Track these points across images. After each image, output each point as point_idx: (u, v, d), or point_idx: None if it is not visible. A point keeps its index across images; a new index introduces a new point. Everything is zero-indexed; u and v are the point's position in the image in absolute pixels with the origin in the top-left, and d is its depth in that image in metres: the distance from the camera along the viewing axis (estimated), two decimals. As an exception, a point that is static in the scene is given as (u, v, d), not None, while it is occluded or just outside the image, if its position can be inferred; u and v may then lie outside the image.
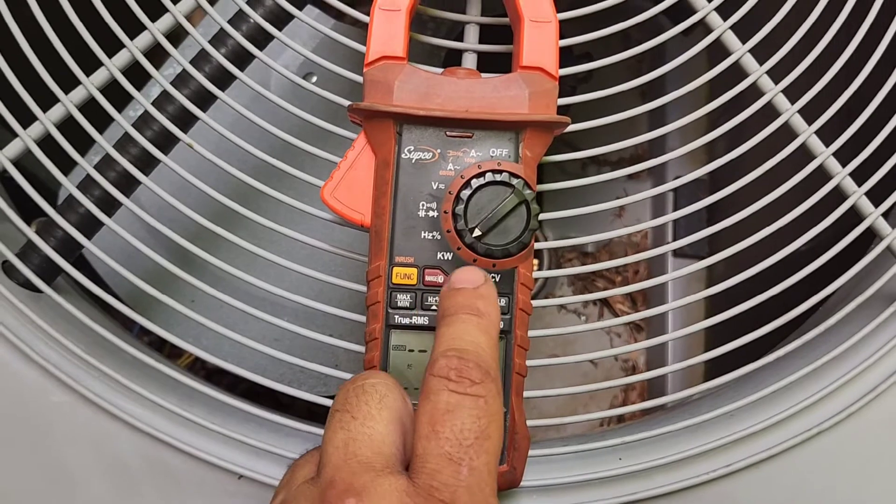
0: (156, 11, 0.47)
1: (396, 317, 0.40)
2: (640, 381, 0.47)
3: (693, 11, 0.47)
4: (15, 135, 0.47)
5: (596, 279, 1.00)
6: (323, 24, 0.48)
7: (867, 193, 0.47)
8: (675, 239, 0.92)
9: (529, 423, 0.42)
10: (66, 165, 0.47)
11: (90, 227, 0.48)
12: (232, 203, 0.46)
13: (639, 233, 1.01)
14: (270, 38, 0.48)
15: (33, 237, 0.47)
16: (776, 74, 0.47)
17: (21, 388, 0.46)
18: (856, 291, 0.47)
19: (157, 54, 0.48)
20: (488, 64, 0.46)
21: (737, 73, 0.47)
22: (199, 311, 0.46)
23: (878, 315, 0.47)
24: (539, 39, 0.41)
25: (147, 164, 0.48)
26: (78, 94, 0.47)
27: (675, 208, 0.89)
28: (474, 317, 0.35)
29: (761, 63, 0.47)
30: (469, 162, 0.40)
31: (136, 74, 0.47)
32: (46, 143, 0.47)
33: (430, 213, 0.40)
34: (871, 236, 0.48)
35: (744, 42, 0.47)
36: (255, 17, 0.47)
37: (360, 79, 0.42)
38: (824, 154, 0.47)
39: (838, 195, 0.47)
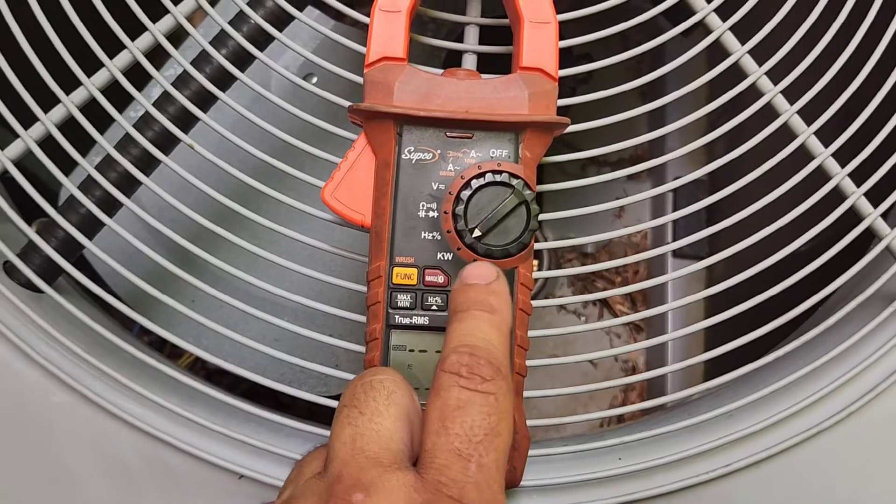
0: (156, 12, 0.47)
1: (397, 317, 0.40)
2: (639, 380, 0.47)
3: (692, 12, 0.47)
4: (16, 135, 0.47)
5: (596, 280, 1.00)
6: (323, 26, 0.48)
7: (866, 194, 0.47)
8: (674, 240, 0.92)
9: (529, 422, 0.42)
10: (67, 166, 0.47)
11: (91, 227, 0.48)
12: (232, 203, 0.46)
13: (638, 233, 1.01)
14: (271, 39, 0.48)
15: (34, 237, 0.47)
16: (775, 75, 0.47)
17: (22, 387, 0.46)
18: (855, 291, 0.48)
19: (157, 55, 0.48)
20: (488, 65, 0.46)
21: (736, 73, 0.47)
22: (199, 312, 0.46)
23: (877, 315, 0.47)
24: (539, 40, 0.41)
25: (148, 164, 0.48)
26: (79, 95, 0.47)
27: (675, 209, 0.90)
28: (486, 313, 0.35)
29: (760, 64, 0.47)
30: (469, 162, 0.40)
31: (137, 75, 0.48)
32: (47, 143, 0.47)
33: (431, 214, 0.40)
34: (870, 237, 0.48)
35: (743, 43, 0.47)
36: (256, 18, 0.47)
37: (360, 80, 0.42)
38: (823, 154, 0.47)
39: (837, 196, 0.47)
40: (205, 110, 0.48)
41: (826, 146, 0.47)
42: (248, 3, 0.48)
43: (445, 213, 0.39)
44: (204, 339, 0.50)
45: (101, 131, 0.47)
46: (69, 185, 0.47)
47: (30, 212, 0.49)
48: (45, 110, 0.47)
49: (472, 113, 0.39)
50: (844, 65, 0.47)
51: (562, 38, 0.42)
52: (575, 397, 0.94)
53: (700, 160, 0.60)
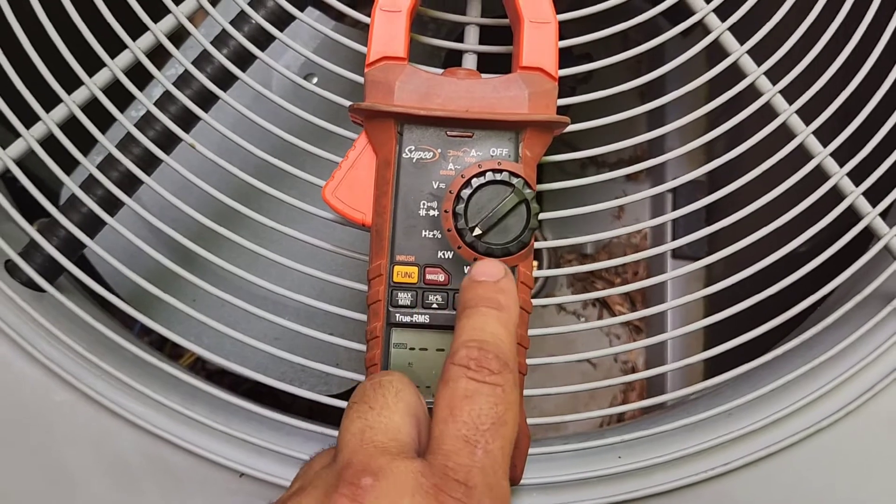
0: (158, 12, 0.47)
1: (397, 315, 0.40)
2: (639, 379, 0.47)
3: (692, 12, 0.47)
4: (18, 135, 0.47)
5: (595, 282, 1.00)
6: (323, 26, 0.48)
7: (865, 193, 0.47)
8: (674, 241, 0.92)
9: (530, 421, 0.43)
10: (69, 165, 0.47)
11: (92, 226, 0.48)
12: (233, 203, 0.46)
13: (638, 234, 1.01)
14: (272, 38, 0.48)
15: (36, 236, 0.47)
16: (774, 75, 0.47)
17: (23, 386, 0.47)
18: (854, 290, 0.48)
19: (159, 55, 0.48)
20: (488, 65, 0.46)
21: (735, 74, 0.47)
22: (200, 311, 0.46)
23: (876, 314, 0.47)
24: (539, 40, 0.41)
25: (149, 163, 0.48)
26: (80, 95, 0.47)
27: (674, 207, 0.90)
28: (494, 310, 0.36)
29: (759, 64, 0.47)
30: (469, 161, 0.40)
31: (139, 75, 0.48)
32: (49, 143, 0.47)
33: (431, 213, 0.40)
34: (869, 236, 0.48)
35: (742, 43, 0.47)
36: (257, 17, 0.47)
37: (360, 79, 0.42)
38: (822, 154, 0.47)
39: (836, 195, 0.47)
40: (206, 110, 0.48)
41: (825, 146, 0.47)
42: (249, 3, 0.48)
43: (446, 211, 0.39)
44: (205, 338, 0.50)
45: (103, 131, 0.47)
46: (70, 185, 0.47)
47: (31, 211, 0.49)
48: (47, 110, 0.47)
49: (473, 112, 0.40)
50: (843, 64, 0.47)
51: (561, 37, 0.43)
52: (575, 398, 0.94)
53: (700, 161, 0.60)
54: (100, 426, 0.46)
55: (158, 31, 0.47)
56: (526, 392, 0.43)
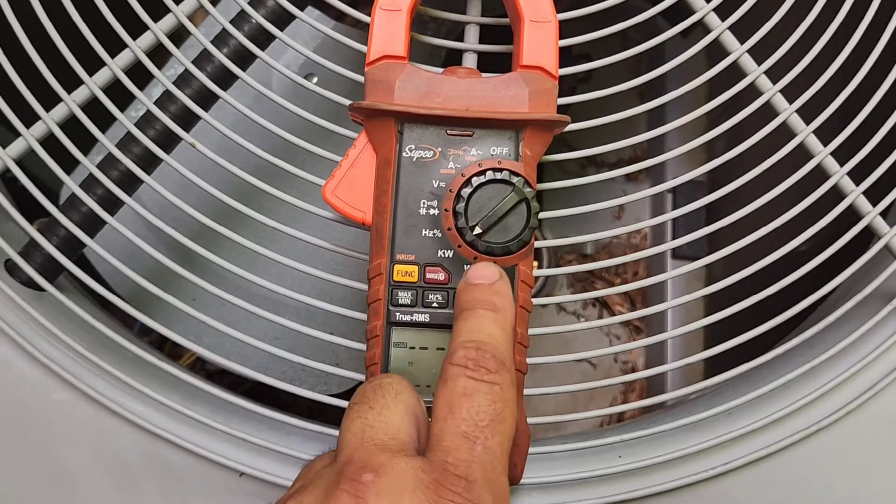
0: (158, 11, 0.47)
1: (398, 314, 0.40)
2: (639, 378, 0.47)
3: (692, 12, 0.47)
4: (18, 134, 0.47)
5: (595, 282, 1.00)
6: (324, 26, 0.48)
7: (865, 192, 0.47)
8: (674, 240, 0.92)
9: (530, 420, 0.43)
10: (69, 165, 0.47)
11: (92, 225, 0.48)
12: (234, 202, 0.46)
13: (638, 235, 1.01)
14: (272, 38, 0.48)
15: (36, 235, 0.47)
16: (774, 74, 0.47)
17: (23, 385, 0.47)
18: (854, 290, 0.48)
19: (159, 54, 0.48)
20: (488, 64, 0.46)
21: (735, 74, 0.47)
22: (200, 310, 0.46)
23: (876, 313, 0.47)
24: (539, 39, 0.41)
25: (149, 163, 0.48)
26: (80, 94, 0.47)
27: (674, 209, 0.90)
28: (490, 312, 0.37)
29: (759, 63, 0.47)
30: (469, 160, 0.40)
31: (139, 74, 0.48)
32: (48, 143, 0.47)
33: (431, 211, 0.40)
34: (869, 235, 0.48)
35: (742, 42, 0.47)
36: (257, 17, 0.47)
37: (360, 79, 0.42)
38: (822, 153, 0.47)
39: (836, 194, 0.47)
40: (206, 109, 0.48)
41: (825, 145, 0.47)
42: (249, 3, 0.48)
43: (446, 210, 0.39)
44: (205, 338, 0.50)
45: (103, 130, 0.47)
46: (70, 184, 0.47)
47: (31, 211, 0.49)
48: (47, 109, 0.47)
49: (473, 111, 0.40)
50: (843, 63, 0.47)
51: (561, 37, 0.43)
52: (574, 399, 0.94)
53: (700, 161, 0.60)
54: (99, 425, 0.46)
55: (158, 30, 0.47)
56: (526, 392, 0.43)
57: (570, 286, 1.00)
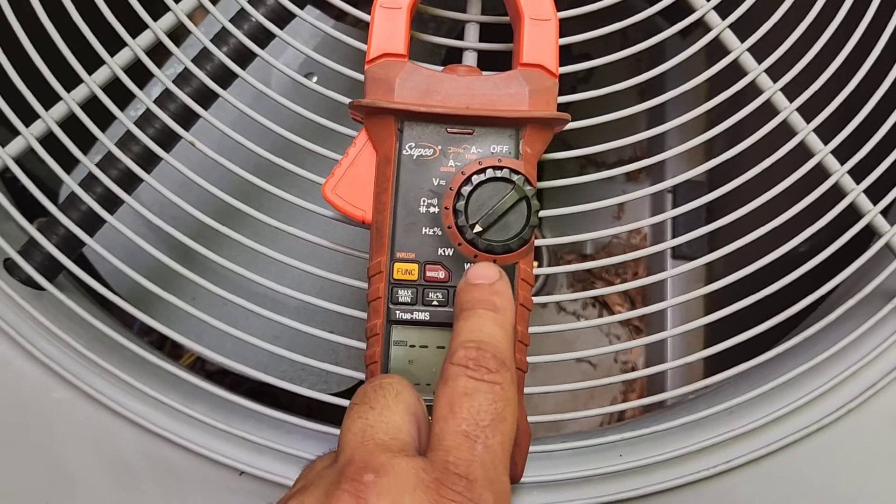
0: (158, 10, 0.47)
1: (398, 312, 0.40)
2: (639, 377, 0.47)
3: (692, 10, 0.47)
4: (17, 133, 0.47)
5: (595, 282, 1.00)
6: (323, 25, 0.48)
7: (866, 191, 0.47)
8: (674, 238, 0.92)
9: (530, 419, 0.43)
10: (68, 164, 0.47)
11: (92, 224, 0.48)
12: (234, 200, 0.46)
13: (638, 235, 1.01)
14: (272, 36, 0.48)
15: (35, 234, 0.47)
16: (775, 73, 0.47)
17: (23, 384, 0.46)
18: (855, 288, 0.48)
19: (158, 53, 0.48)
20: (488, 63, 0.46)
21: (736, 73, 0.47)
22: (200, 310, 0.46)
23: (876, 312, 0.47)
24: (539, 37, 0.41)
25: (149, 161, 0.48)
26: (80, 93, 0.47)
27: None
28: (490, 311, 0.37)
29: (760, 62, 0.47)
30: (470, 158, 0.40)
31: (138, 73, 0.48)
32: (48, 142, 0.47)
33: (431, 210, 0.40)
34: (870, 234, 0.48)
35: (742, 41, 0.47)
36: (257, 15, 0.47)
37: (360, 77, 0.42)
38: (823, 152, 0.47)
39: (837, 193, 0.47)
40: (206, 108, 0.48)
41: (825, 143, 0.47)
42: (249, 1, 0.48)
43: (446, 208, 0.39)
44: (205, 337, 0.50)
45: (103, 129, 0.47)
46: (70, 182, 0.47)
47: (30, 211, 0.49)
48: (47, 108, 0.47)
49: (473, 109, 0.40)
50: (844, 62, 0.47)
51: (561, 35, 0.43)
52: (575, 399, 0.94)
53: (700, 161, 0.60)
54: (99, 424, 0.46)
55: (158, 28, 0.47)
56: (526, 390, 0.43)
57: (570, 287, 1.00)
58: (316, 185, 0.42)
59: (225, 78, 0.48)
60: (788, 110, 0.47)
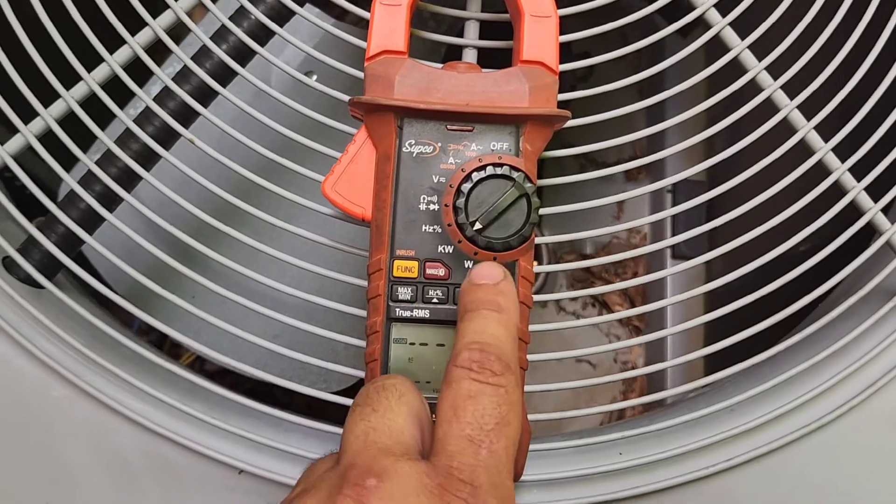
0: (157, 8, 0.47)
1: (397, 310, 0.40)
2: (639, 374, 0.46)
3: (692, 7, 0.47)
4: (16, 131, 0.47)
5: (595, 282, 1.00)
6: (323, 22, 0.48)
7: (866, 189, 0.47)
8: (673, 245, 0.92)
9: (531, 417, 0.42)
10: (67, 162, 0.47)
11: (91, 222, 0.48)
12: (233, 198, 0.46)
13: (638, 235, 1.01)
14: (271, 34, 0.48)
15: (34, 232, 0.47)
16: (775, 70, 0.47)
17: (22, 382, 0.46)
18: (856, 287, 0.48)
19: (158, 52, 0.48)
20: (488, 61, 0.46)
21: (735, 71, 0.47)
22: (199, 308, 0.46)
23: (878, 310, 0.47)
24: (539, 34, 0.41)
25: (148, 159, 0.48)
26: (79, 90, 0.47)
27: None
28: (494, 312, 0.36)
29: (760, 59, 0.47)
30: (470, 155, 0.40)
31: (138, 72, 0.47)
32: (46, 141, 0.47)
33: (431, 207, 0.40)
34: (870, 232, 0.48)
35: (743, 38, 0.47)
36: (257, 13, 0.47)
37: (360, 75, 0.42)
38: (823, 149, 0.47)
39: (837, 191, 0.47)
40: (205, 105, 0.47)
41: (826, 141, 0.47)
42: (248, -1, 0.48)
43: (446, 205, 0.39)
44: (204, 336, 0.50)
45: (102, 127, 0.47)
46: (69, 180, 0.47)
47: (28, 211, 0.49)
48: (46, 106, 0.47)
49: (473, 106, 0.39)
50: (844, 59, 0.47)
51: (561, 33, 0.42)
52: (575, 399, 0.94)
53: (699, 160, 0.60)
54: (98, 423, 0.46)
55: (157, 26, 0.47)
56: (526, 388, 0.43)
57: (570, 288, 1.00)
58: (316, 183, 0.42)
59: (224, 76, 0.48)
60: (789, 108, 0.47)
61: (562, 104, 0.42)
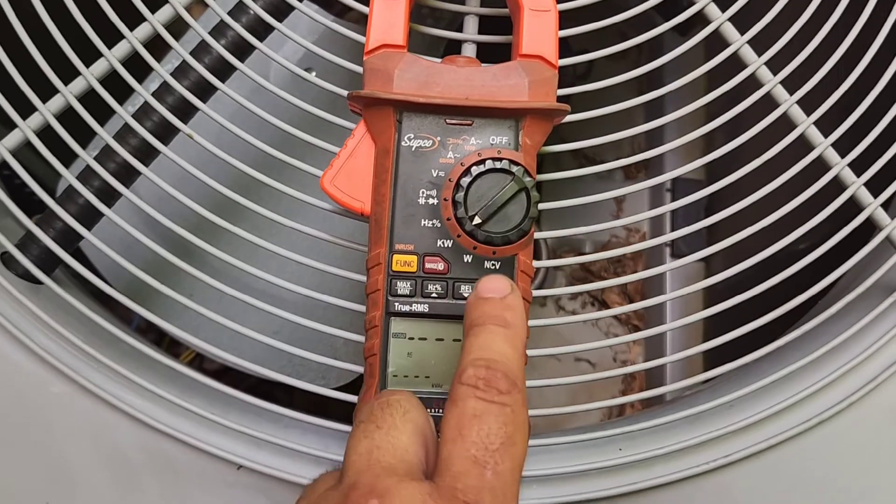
0: (156, 2, 0.47)
1: (396, 304, 0.40)
2: (639, 370, 0.46)
3: (691, 2, 0.47)
4: (13, 127, 0.47)
5: (594, 281, 1.00)
6: (323, 17, 0.48)
7: (866, 184, 0.47)
8: (672, 243, 0.92)
9: (530, 412, 0.42)
10: (65, 158, 0.47)
11: (89, 217, 0.48)
12: (232, 194, 0.46)
13: (637, 235, 1.01)
14: (270, 29, 0.48)
15: (33, 228, 0.47)
16: (775, 65, 0.47)
17: (21, 378, 0.46)
18: (856, 282, 0.47)
19: (156, 49, 0.48)
20: (487, 56, 0.46)
21: (735, 67, 0.47)
22: (198, 304, 0.46)
23: (877, 305, 0.47)
24: (539, 28, 0.41)
25: (147, 154, 0.48)
26: (77, 86, 0.47)
27: (673, 212, 0.90)
28: (501, 328, 0.35)
29: (759, 54, 0.47)
30: (469, 150, 0.40)
31: (137, 68, 0.47)
32: (45, 136, 0.47)
33: (430, 201, 0.40)
34: (870, 227, 0.48)
35: (742, 34, 0.47)
36: (256, 8, 0.47)
37: (359, 70, 0.42)
38: (823, 145, 0.47)
39: (837, 186, 0.47)
40: (204, 100, 0.47)
41: (826, 136, 0.47)
42: (247, -6, 0.48)
43: (445, 200, 0.39)
44: (203, 332, 0.50)
45: (100, 123, 0.47)
46: (67, 175, 0.47)
47: (26, 209, 0.49)
48: (44, 101, 0.47)
49: (472, 100, 0.39)
50: (844, 55, 0.47)
51: (560, 28, 0.42)
52: (574, 398, 0.94)
53: (699, 157, 0.60)
54: (98, 418, 0.46)
55: (156, 21, 0.47)
56: (527, 384, 0.43)
57: (569, 286, 1.00)
58: (315, 179, 0.42)
59: (223, 71, 0.48)
60: (788, 103, 0.47)
61: (561, 100, 0.42)
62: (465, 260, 0.40)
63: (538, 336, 0.44)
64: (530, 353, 0.44)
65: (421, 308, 0.40)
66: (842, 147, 0.47)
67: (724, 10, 0.47)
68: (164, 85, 0.48)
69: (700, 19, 0.47)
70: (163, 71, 0.47)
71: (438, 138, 0.40)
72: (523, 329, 0.36)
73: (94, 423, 0.46)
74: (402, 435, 0.33)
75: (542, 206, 0.44)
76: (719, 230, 0.47)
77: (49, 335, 0.47)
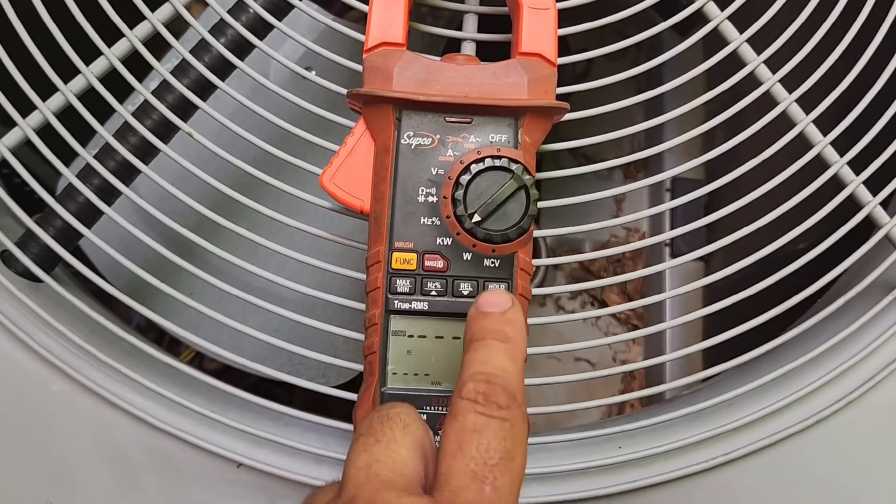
0: (156, 1, 0.47)
1: (396, 302, 0.40)
2: (638, 368, 0.46)
3: (691, 1, 0.47)
4: (13, 125, 0.47)
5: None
6: (323, 16, 0.48)
7: (865, 182, 0.47)
8: (672, 245, 0.92)
9: (529, 410, 0.42)
10: (65, 157, 0.47)
11: (89, 216, 0.48)
12: (232, 192, 0.46)
13: (636, 234, 1.01)
14: (270, 28, 0.48)
15: (32, 226, 0.47)
16: (774, 64, 0.47)
17: (20, 377, 0.46)
18: (855, 280, 0.48)
19: (157, 47, 0.48)
20: (487, 55, 0.46)
21: (734, 66, 0.47)
22: (198, 303, 0.46)
23: (876, 303, 0.47)
24: (538, 26, 0.41)
25: (147, 153, 0.48)
26: (77, 84, 0.47)
27: (672, 213, 0.90)
28: (501, 343, 0.35)
29: (758, 53, 0.47)
30: (468, 147, 0.40)
31: (136, 66, 0.47)
32: (45, 134, 0.47)
33: (430, 199, 0.40)
34: (869, 225, 0.48)
35: (741, 32, 0.47)
36: (255, 6, 0.47)
37: (359, 68, 0.42)
38: (822, 143, 0.47)
39: (836, 184, 0.47)
40: (204, 99, 0.47)
41: (825, 135, 0.47)
42: (247, -7, 0.48)
43: (445, 198, 0.39)
44: (203, 330, 0.50)
45: (100, 121, 0.47)
46: (67, 173, 0.47)
47: (25, 208, 0.49)
48: (44, 99, 0.47)
49: (472, 98, 0.40)
50: (843, 52, 0.47)
51: (559, 26, 0.42)
52: (573, 398, 0.94)
53: (698, 156, 0.61)
54: (98, 417, 0.46)
55: (156, 19, 0.47)
56: (525, 382, 0.43)
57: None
58: (315, 177, 0.42)
59: (223, 69, 0.48)
60: (788, 101, 0.47)
61: (560, 99, 0.42)
62: (465, 258, 0.40)
63: (538, 335, 0.44)
64: (530, 351, 0.44)
65: (420, 306, 0.40)
66: (841, 145, 0.47)
67: (723, 8, 0.47)
68: (164, 83, 0.48)
69: (699, 18, 0.47)
70: (163, 69, 0.47)
71: (438, 136, 0.40)
72: (524, 343, 0.36)
73: (95, 422, 0.46)
74: (401, 449, 0.33)
75: (541, 204, 0.44)
76: (718, 229, 0.47)
77: (49, 333, 0.47)
